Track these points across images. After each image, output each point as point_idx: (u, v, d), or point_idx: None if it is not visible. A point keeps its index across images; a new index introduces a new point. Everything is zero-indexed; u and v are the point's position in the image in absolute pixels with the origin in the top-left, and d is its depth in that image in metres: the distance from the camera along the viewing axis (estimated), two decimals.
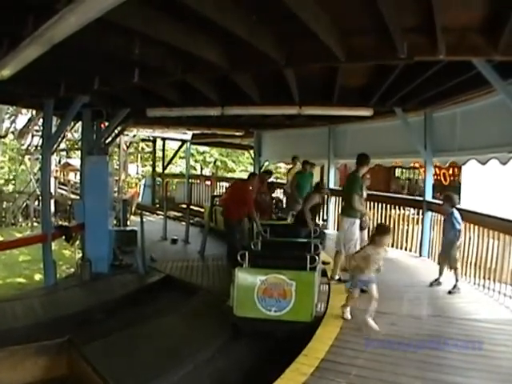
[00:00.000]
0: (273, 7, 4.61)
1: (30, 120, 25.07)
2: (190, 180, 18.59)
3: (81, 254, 10.05)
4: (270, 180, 11.68)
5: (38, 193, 20.52)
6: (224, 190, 16.34)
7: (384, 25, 4.76)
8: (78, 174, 18.86)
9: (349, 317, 5.68)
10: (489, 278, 7.07)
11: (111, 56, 6.20)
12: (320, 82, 8.30)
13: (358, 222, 7.26)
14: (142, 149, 29.41)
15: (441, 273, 7.19)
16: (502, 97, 6.29)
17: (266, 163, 15.95)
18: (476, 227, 7.42)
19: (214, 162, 32.20)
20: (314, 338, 5.07)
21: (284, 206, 12.48)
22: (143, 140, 24.71)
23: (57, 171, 26.85)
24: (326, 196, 10.05)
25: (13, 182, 25.65)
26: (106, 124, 10.64)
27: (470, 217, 7.43)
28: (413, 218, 10.55)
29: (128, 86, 7.54)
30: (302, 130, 13.30)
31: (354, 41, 5.62)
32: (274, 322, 5.66)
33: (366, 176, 8.09)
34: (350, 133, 12.29)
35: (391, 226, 9.70)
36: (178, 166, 31.14)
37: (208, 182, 18.04)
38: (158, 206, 18.45)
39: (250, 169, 21.14)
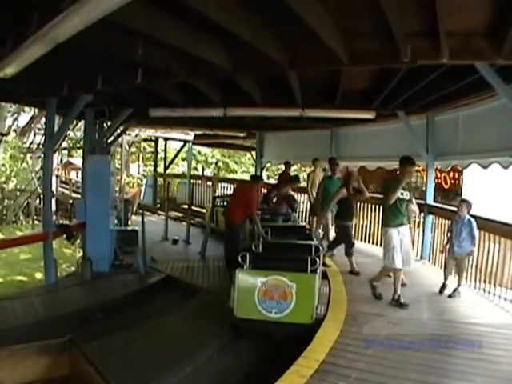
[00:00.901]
0: (277, 9, 4.61)
1: (32, 118, 25.18)
2: (192, 180, 18.60)
3: (81, 253, 10.05)
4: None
5: (40, 191, 20.55)
6: (225, 192, 16.42)
7: (387, 28, 4.76)
8: (80, 172, 18.94)
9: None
10: (489, 282, 7.07)
11: (115, 56, 6.21)
12: (323, 84, 8.30)
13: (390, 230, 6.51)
14: (144, 148, 29.44)
15: (446, 277, 7.05)
16: (504, 101, 6.28)
17: (294, 171, 15.53)
18: (477, 231, 7.40)
19: (216, 163, 32.20)
20: (315, 340, 5.06)
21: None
22: (145, 140, 24.74)
23: (58, 170, 26.89)
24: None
25: (14, 179, 25.65)
26: (109, 123, 10.66)
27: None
28: (414, 221, 10.53)
29: (131, 86, 7.56)
30: (305, 132, 13.28)
31: (357, 44, 5.62)
32: (274, 323, 5.66)
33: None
34: (352, 135, 12.26)
35: None
36: (180, 167, 31.13)
37: (209, 183, 18.04)
38: (159, 206, 18.48)
39: (252, 170, 21.09)
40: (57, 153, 22.54)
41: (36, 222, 21.31)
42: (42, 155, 11.13)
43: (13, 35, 4.88)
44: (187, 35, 5.28)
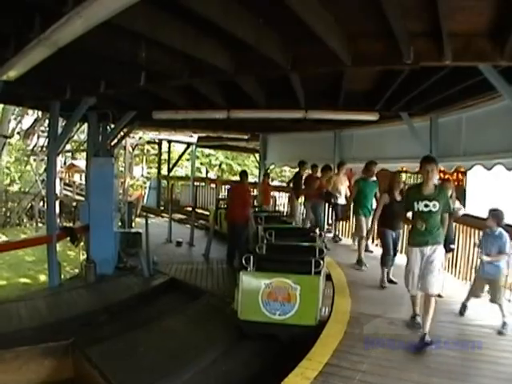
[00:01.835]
0: (279, 11, 4.61)
1: (35, 121, 25.25)
2: (195, 183, 18.61)
3: (85, 256, 10.06)
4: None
5: (43, 193, 20.60)
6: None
7: (390, 30, 4.77)
8: (83, 175, 18.96)
9: None
10: None
11: (117, 59, 6.23)
12: (326, 86, 8.31)
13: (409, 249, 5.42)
14: (148, 151, 29.49)
15: (469, 298, 6.02)
16: (507, 102, 6.27)
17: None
18: (481, 233, 7.36)
19: (220, 165, 32.19)
20: (318, 342, 5.03)
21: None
22: (149, 142, 24.77)
23: (62, 172, 26.97)
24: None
25: (18, 182, 25.73)
26: (112, 125, 10.68)
27: (475, 222, 7.37)
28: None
29: (134, 89, 7.57)
30: (308, 134, 13.28)
31: (359, 45, 5.62)
32: (278, 325, 5.65)
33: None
34: (355, 137, 12.28)
35: None
36: (184, 169, 31.15)
37: (213, 185, 18.06)
38: (162, 208, 18.51)
39: (256, 172, 21.11)
40: (60, 155, 22.58)
41: (40, 225, 21.40)
42: (46, 158, 11.13)
43: (16, 38, 4.91)
44: (190, 38, 5.30)
